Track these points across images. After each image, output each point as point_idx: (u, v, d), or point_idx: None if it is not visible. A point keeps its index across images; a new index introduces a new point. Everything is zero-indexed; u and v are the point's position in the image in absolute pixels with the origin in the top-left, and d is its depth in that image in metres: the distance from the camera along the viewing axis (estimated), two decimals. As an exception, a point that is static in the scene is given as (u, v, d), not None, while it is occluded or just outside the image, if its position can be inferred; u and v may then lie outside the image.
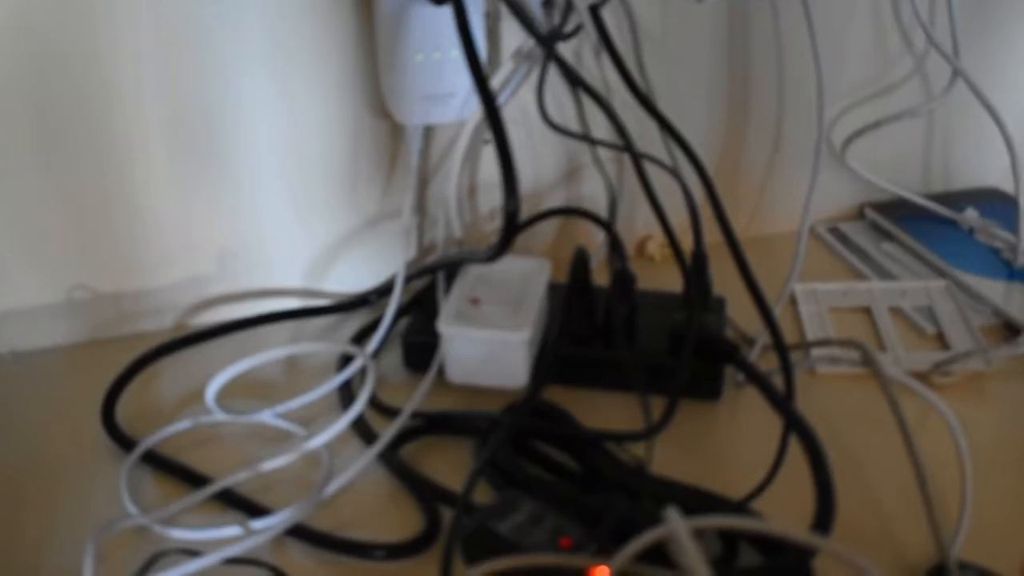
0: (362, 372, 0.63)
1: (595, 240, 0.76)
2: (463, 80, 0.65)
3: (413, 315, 0.67)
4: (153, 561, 0.49)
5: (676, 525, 0.40)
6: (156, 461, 0.58)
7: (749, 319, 0.66)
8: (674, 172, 0.64)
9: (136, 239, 0.67)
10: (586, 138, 0.72)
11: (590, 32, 0.64)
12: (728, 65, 0.75)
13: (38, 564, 0.51)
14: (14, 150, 0.62)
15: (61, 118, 0.62)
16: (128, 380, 0.64)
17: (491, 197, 0.73)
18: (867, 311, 0.72)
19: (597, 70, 0.69)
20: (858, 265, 0.78)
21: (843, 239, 0.82)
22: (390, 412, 0.60)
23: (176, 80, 0.63)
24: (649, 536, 0.42)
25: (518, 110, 0.71)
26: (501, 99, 0.68)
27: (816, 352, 0.66)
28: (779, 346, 0.56)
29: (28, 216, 0.64)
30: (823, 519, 0.48)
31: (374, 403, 0.62)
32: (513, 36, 0.68)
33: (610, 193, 0.74)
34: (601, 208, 0.75)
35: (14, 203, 0.64)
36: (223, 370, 0.62)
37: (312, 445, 0.57)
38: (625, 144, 0.62)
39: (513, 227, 0.54)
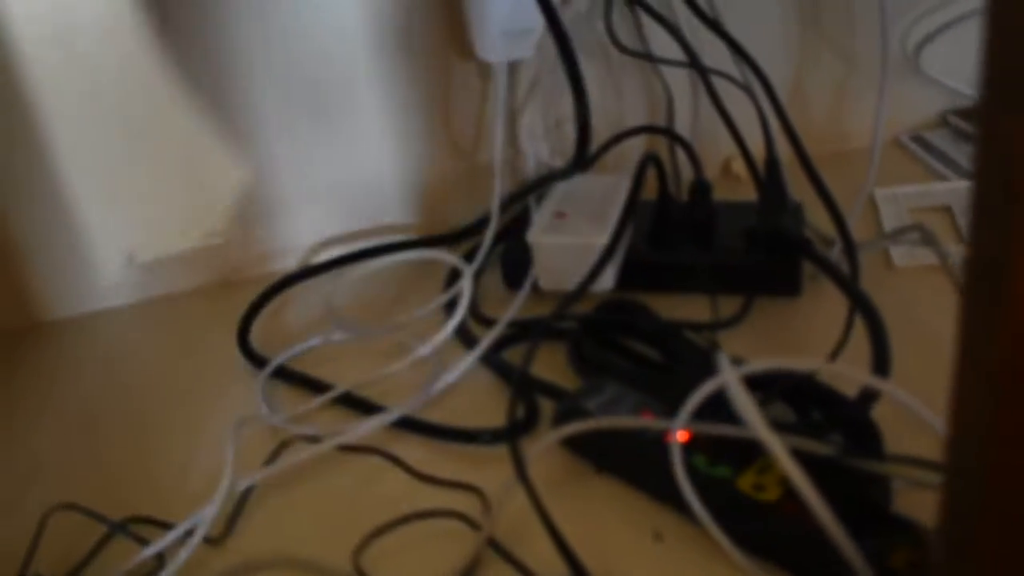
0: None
1: (681, 165, 0.80)
2: (538, 15, 0.70)
3: (509, 237, 0.73)
4: (281, 448, 0.57)
5: (728, 374, 0.45)
6: (286, 375, 0.65)
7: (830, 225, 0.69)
8: (744, 87, 0.68)
9: (259, 185, 0.75)
10: (652, 57, 0.75)
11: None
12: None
13: (188, 461, 0.59)
14: (154, 110, 0.71)
15: (186, 75, 0.70)
16: (260, 308, 0.72)
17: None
18: (948, 210, 0.75)
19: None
20: (940, 168, 0.80)
21: (926, 146, 0.84)
22: (490, 322, 0.66)
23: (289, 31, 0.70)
24: (706, 387, 0.47)
25: (596, 45, 0.75)
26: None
27: (891, 246, 0.69)
28: (841, 230, 0.60)
29: (168, 171, 0.73)
30: (880, 369, 0.51)
31: (476, 315, 0.68)
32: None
33: (668, 106, 0.78)
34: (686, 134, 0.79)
35: (148, 161, 0.72)
36: (343, 294, 0.69)
37: (421, 352, 0.63)
38: (691, 60, 0.66)
39: (585, 135, 0.59)
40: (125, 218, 0.74)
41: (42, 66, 0.67)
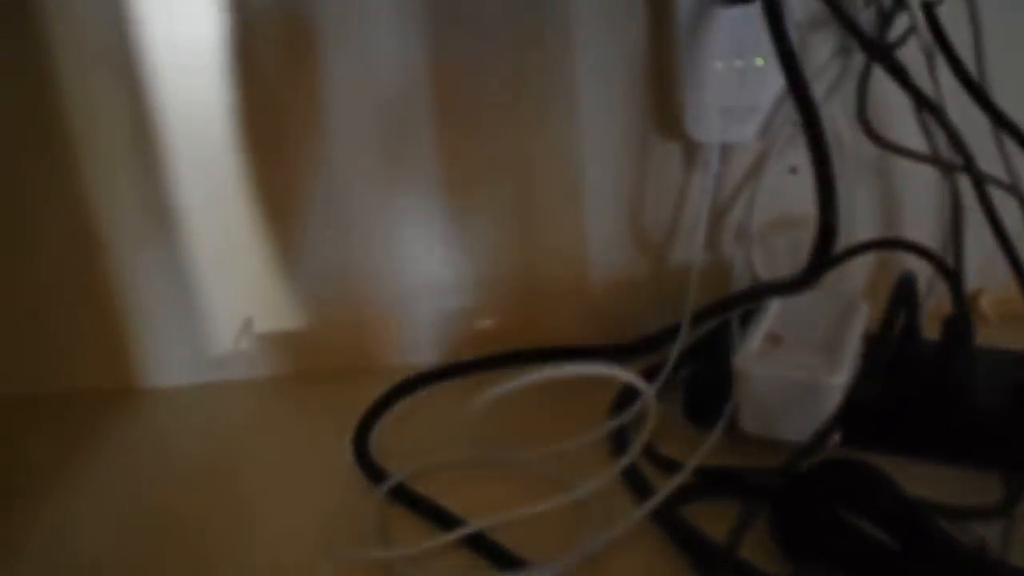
0: (637, 419, 0.55)
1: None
2: (767, 93, 0.57)
3: (699, 359, 0.59)
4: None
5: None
6: (406, 496, 0.52)
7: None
8: (1014, 190, 0.53)
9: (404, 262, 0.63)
10: (918, 154, 0.60)
11: (922, 34, 0.55)
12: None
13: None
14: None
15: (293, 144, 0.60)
16: (386, 407, 0.60)
17: (795, 236, 0.64)
18: None
19: (928, 80, 0.59)
20: None
21: None
22: (668, 464, 0.52)
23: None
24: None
25: (831, 136, 0.61)
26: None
27: None
28: None
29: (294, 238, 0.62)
30: None
31: (650, 453, 0.54)
32: (819, 49, 0.60)
33: (949, 223, 0.63)
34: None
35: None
36: (487, 404, 0.56)
37: (579, 493, 0.49)
38: (965, 161, 0.52)
39: (829, 244, 0.45)
40: (243, 284, 0.64)
41: (170, 132, 0.59)
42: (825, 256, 0.46)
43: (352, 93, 0.60)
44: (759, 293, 0.56)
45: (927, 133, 0.58)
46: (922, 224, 0.64)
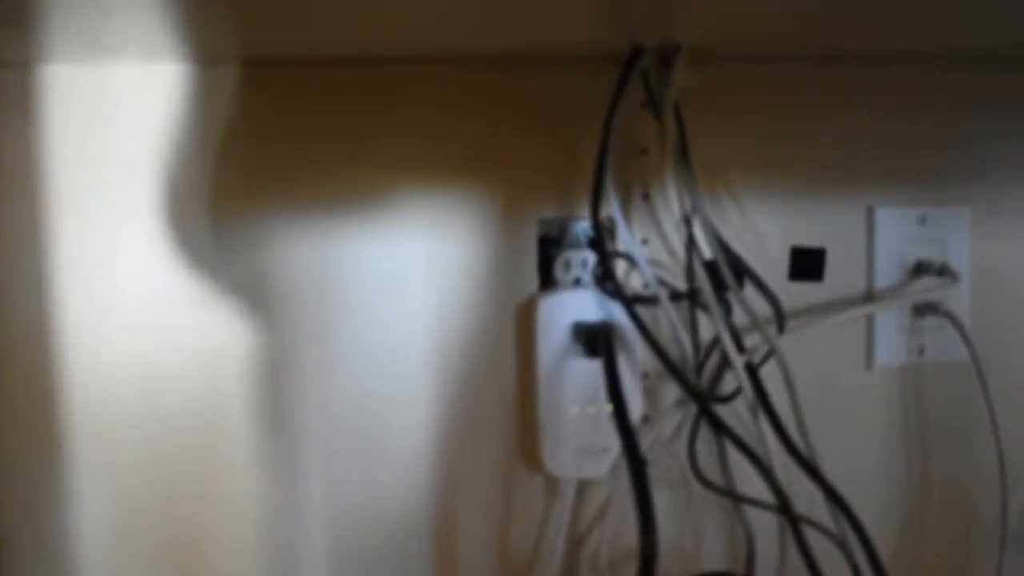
0: None
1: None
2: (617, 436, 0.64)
3: None
4: None
5: None
6: None
7: None
8: (839, 540, 0.60)
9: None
10: (737, 496, 0.68)
11: (747, 393, 0.63)
12: (902, 439, 0.71)
13: None
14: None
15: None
16: None
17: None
18: None
19: (755, 429, 0.67)
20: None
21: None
22: None
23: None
24: None
25: (679, 473, 0.69)
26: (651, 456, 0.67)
27: None
28: None
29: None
30: None
31: None
32: (668, 395, 0.68)
33: (748, 550, 0.69)
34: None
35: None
36: None
37: None
38: (781, 505, 0.59)
39: (649, 573, 0.50)
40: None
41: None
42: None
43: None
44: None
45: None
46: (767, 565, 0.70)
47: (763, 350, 0.64)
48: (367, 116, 0.64)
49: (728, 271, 0.62)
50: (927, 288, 0.70)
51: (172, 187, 0.62)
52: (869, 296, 0.71)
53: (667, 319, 0.65)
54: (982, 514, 0.73)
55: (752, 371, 0.63)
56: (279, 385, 0.64)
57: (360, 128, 0.64)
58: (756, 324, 0.62)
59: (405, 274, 0.65)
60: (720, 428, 0.62)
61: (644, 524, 0.52)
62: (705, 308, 0.63)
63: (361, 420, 0.65)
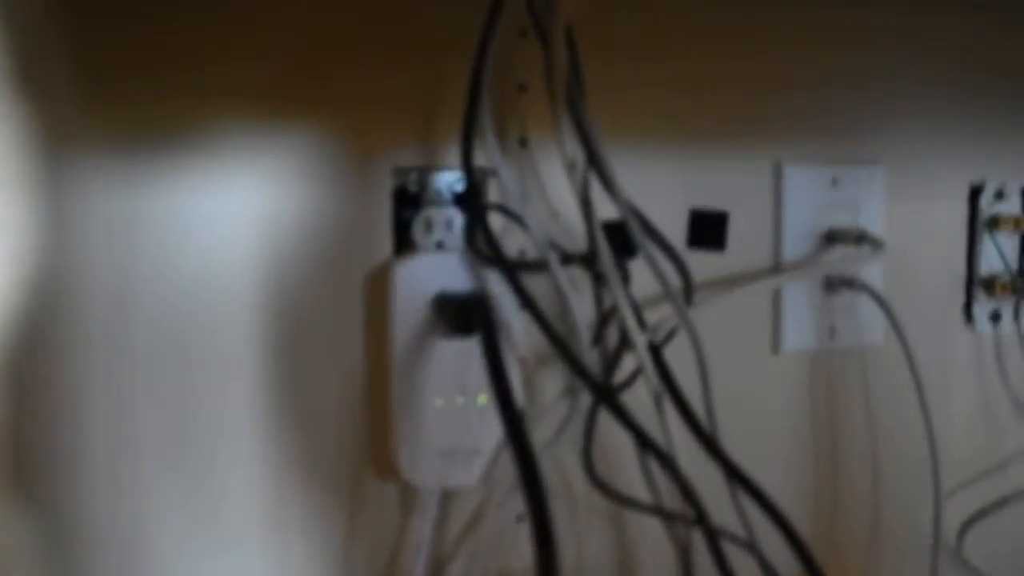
0: None
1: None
2: (491, 434, 0.53)
3: None
4: None
5: None
6: None
7: None
8: (752, 548, 0.50)
9: None
10: (646, 507, 0.57)
11: (650, 377, 0.53)
12: (811, 432, 0.64)
13: None
14: None
15: None
16: None
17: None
18: None
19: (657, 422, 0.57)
20: None
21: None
22: None
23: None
24: None
25: (560, 480, 0.58)
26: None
27: None
28: None
29: None
30: None
31: None
32: (547, 387, 0.58)
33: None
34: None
35: None
36: None
37: None
38: (698, 515, 0.49)
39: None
40: None
41: None
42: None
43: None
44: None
45: (649, 482, 0.56)
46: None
47: (666, 327, 0.54)
48: (176, 40, 0.51)
49: (638, 231, 0.52)
50: (844, 259, 0.62)
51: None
52: (777, 268, 0.62)
53: (553, 291, 0.55)
54: (906, 518, 0.66)
55: (656, 352, 0.53)
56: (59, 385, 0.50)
57: (168, 54, 0.50)
58: (669, 294, 0.52)
59: (224, 236, 0.52)
60: (629, 424, 0.51)
61: (540, 534, 0.41)
62: (600, 277, 0.52)
63: (165, 423, 0.52)
